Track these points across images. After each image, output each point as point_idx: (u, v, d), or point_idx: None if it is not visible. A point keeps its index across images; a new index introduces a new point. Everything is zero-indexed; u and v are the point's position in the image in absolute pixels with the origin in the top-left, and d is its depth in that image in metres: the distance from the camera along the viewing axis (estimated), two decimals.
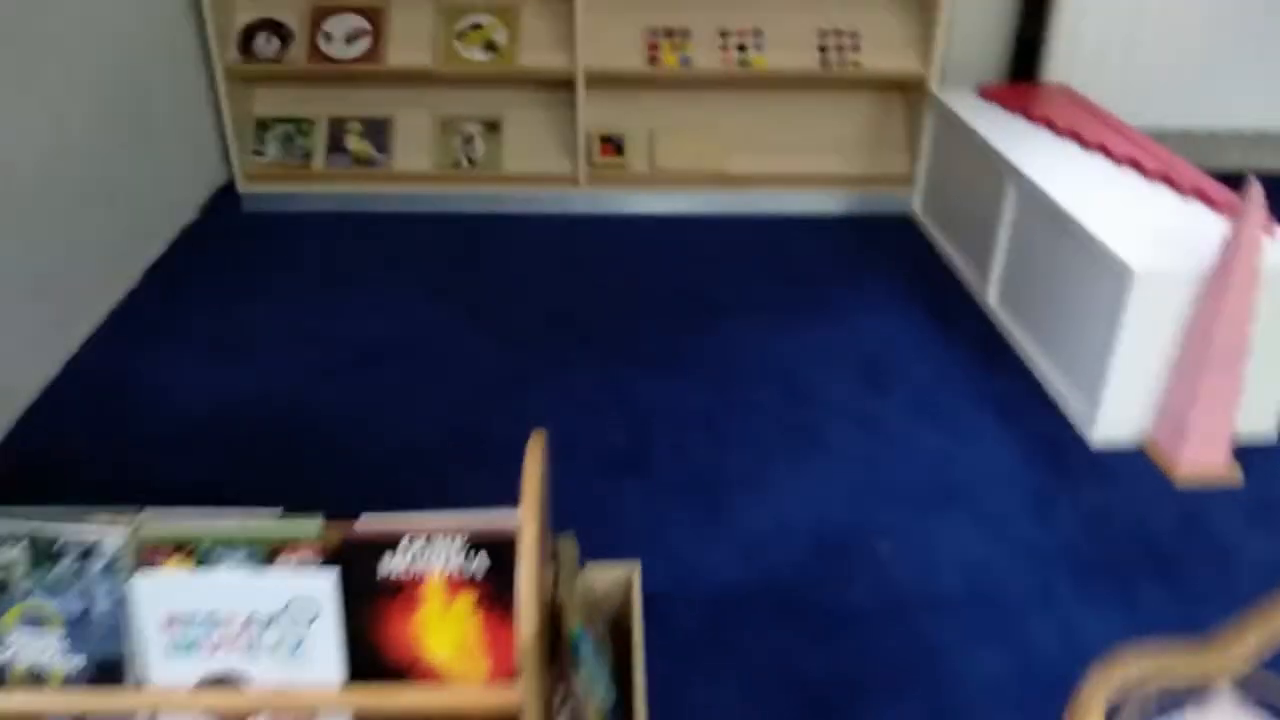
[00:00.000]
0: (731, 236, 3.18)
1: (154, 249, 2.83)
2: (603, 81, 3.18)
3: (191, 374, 2.41)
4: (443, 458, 2.12)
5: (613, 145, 3.30)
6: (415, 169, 3.31)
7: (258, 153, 3.31)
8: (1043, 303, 2.44)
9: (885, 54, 3.18)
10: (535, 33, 3.19)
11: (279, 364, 2.46)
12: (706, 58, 3.17)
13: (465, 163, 3.31)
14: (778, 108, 3.33)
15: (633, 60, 3.16)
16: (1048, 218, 2.38)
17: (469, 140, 3.33)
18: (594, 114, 3.29)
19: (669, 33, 3.19)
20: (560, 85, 3.21)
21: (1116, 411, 2.19)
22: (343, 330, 2.63)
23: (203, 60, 3.14)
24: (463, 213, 3.29)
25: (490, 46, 3.15)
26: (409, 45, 3.18)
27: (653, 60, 3.15)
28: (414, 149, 3.33)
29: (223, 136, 3.23)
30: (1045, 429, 2.27)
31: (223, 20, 3.11)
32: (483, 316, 2.70)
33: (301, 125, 3.34)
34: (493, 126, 3.34)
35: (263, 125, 3.34)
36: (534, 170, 3.31)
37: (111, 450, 2.13)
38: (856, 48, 3.18)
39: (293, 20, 3.20)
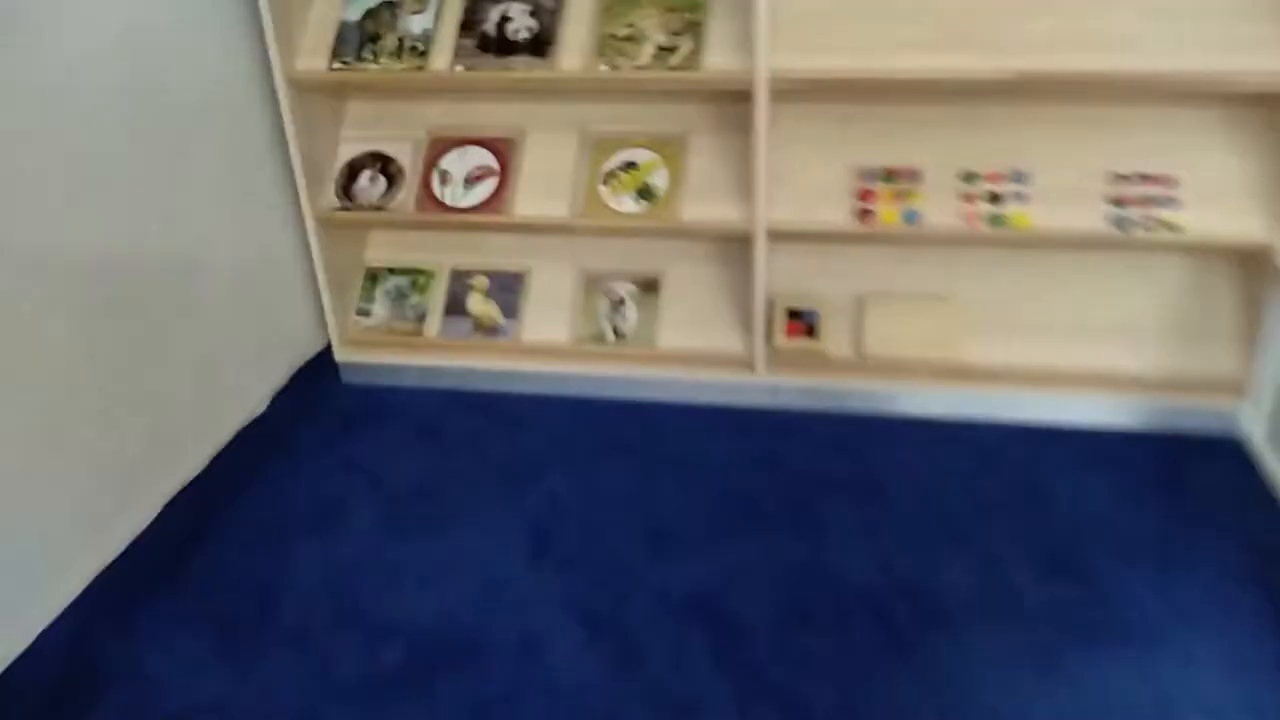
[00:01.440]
0: (967, 459, 2.24)
1: (188, 466, 2.20)
2: (793, 235, 2.33)
3: (179, 673, 1.77)
4: None
5: (803, 322, 2.43)
6: (548, 340, 2.57)
7: (363, 313, 2.67)
8: None
9: (1215, 210, 2.15)
10: (704, 174, 2.38)
11: (293, 667, 1.78)
12: (941, 210, 2.25)
13: (611, 334, 2.53)
14: (1043, 273, 2.36)
15: (835, 213, 2.29)
16: None
17: (619, 304, 2.56)
18: (779, 275, 2.45)
19: (890, 175, 2.29)
20: (737, 235, 2.39)
21: None
22: (398, 608, 1.91)
23: (293, 207, 2.52)
24: (604, 398, 2.52)
25: (645, 193, 2.36)
26: (543, 189, 2.44)
27: (864, 215, 2.26)
28: (549, 313, 2.59)
29: (317, 296, 2.60)
30: None
31: (319, 156, 2.49)
32: (592, 593, 1.91)
33: (418, 279, 2.68)
34: (649, 287, 2.56)
35: (373, 277, 2.70)
36: (697, 348, 2.49)
37: None
38: (1171, 199, 2.17)
39: (405, 154, 2.54)
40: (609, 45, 2.24)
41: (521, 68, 2.26)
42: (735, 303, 2.50)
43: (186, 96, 2.13)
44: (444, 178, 2.49)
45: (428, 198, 2.48)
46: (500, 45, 2.28)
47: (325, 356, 2.66)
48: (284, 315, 2.56)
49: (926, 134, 2.30)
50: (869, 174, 2.31)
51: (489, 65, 2.28)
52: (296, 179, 2.44)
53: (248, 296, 2.39)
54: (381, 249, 2.73)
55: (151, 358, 2.05)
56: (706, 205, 2.35)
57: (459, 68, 2.29)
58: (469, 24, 2.32)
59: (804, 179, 2.32)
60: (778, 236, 2.31)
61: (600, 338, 2.55)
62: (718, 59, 2.20)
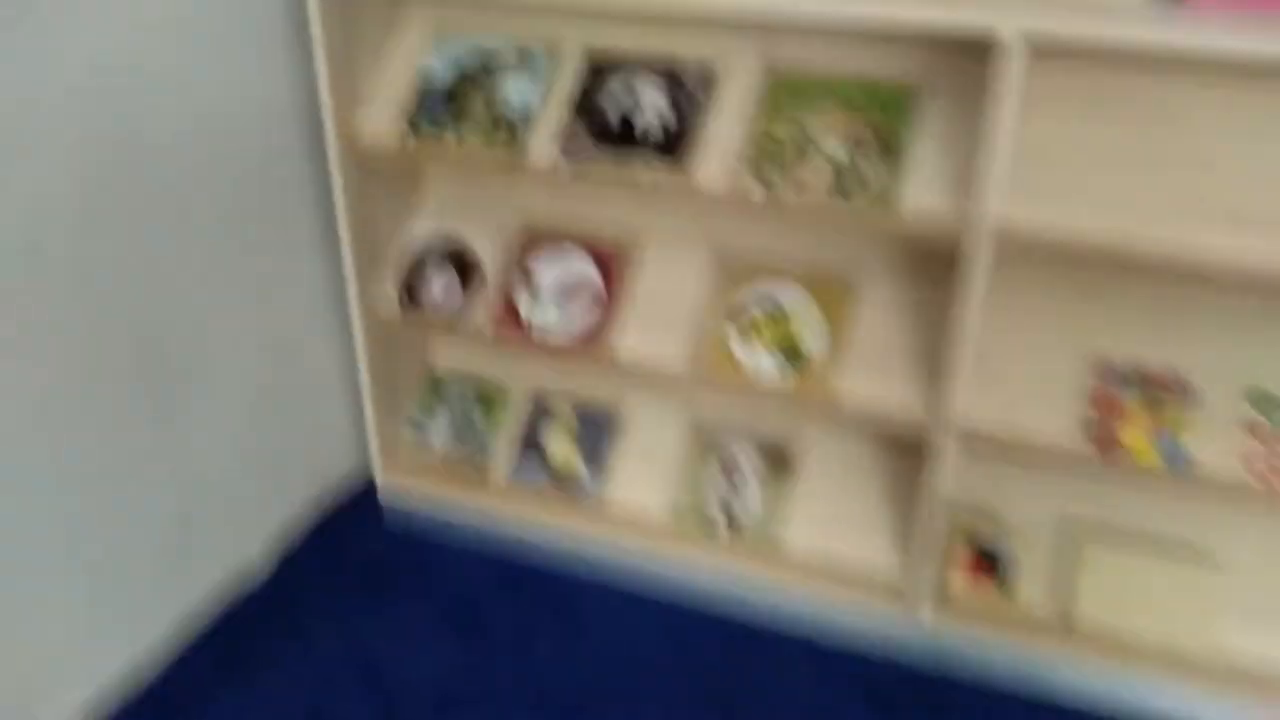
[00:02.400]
0: None
1: (131, 659, 1.67)
2: (994, 445, 1.65)
3: None
4: None
5: (989, 559, 1.74)
6: (639, 510, 1.97)
7: (418, 427, 2.12)
8: None
9: None
10: (876, 335, 1.72)
11: None
12: (1218, 444, 1.53)
13: (722, 519, 1.90)
14: None
15: (1058, 424, 1.59)
16: None
17: (737, 478, 1.92)
18: (962, 478, 1.77)
19: (1146, 383, 1.58)
20: (913, 433, 1.71)
21: None
22: None
23: (339, 301, 1.99)
24: (703, 606, 1.90)
25: (791, 351, 1.72)
26: (655, 321, 1.84)
27: (1102, 437, 1.56)
28: (645, 473, 1.99)
29: (360, 411, 2.07)
30: None
31: (379, 241, 1.94)
32: None
33: (489, 398, 2.11)
34: (780, 461, 1.92)
35: (436, 386, 2.14)
36: (838, 560, 1.84)
37: None
38: None
39: (489, 247, 1.96)
40: (766, 152, 1.60)
41: (643, 171, 1.64)
42: (896, 506, 1.84)
43: (208, 149, 1.60)
44: (531, 287, 1.90)
45: (507, 313, 1.90)
46: (621, 136, 1.67)
47: (362, 490, 2.12)
48: (313, 435, 2.03)
49: (1204, 327, 1.59)
50: (1114, 375, 1.60)
51: (601, 161, 1.67)
52: (345, 268, 1.90)
53: (265, 410, 1.86)
54: (451, 352, 2.17)
55: (106, 492, 1.53)
56: (874, 381, 1.69)
57: (561, 161, 1.69)
58: (585, 104, 1.71)
59: (1018, 367, 1.64)
60: (972, 443, 1.63)
61: (708, 521, 1.92)
62: (920, 195, 1.53)
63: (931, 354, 1.67)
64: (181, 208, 1.58)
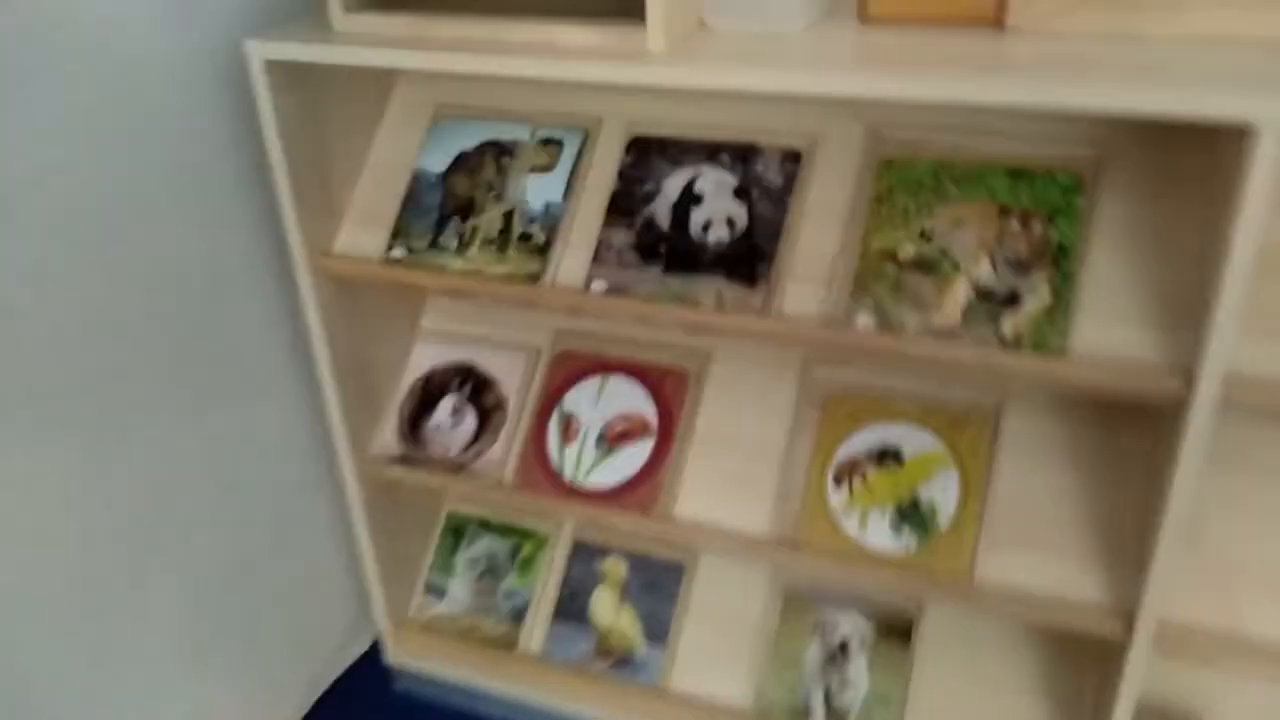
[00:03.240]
0: None
1: None
2: (1202, 657, 1.21)
3: None
4: None
5: None
6: (713, 698, 1.55)
7: (435, 590, 1.72)
8: None
9: None
10: (1025, 497, 1.29)
11: None
12: None
13: (822, 709, 1.49)
14: None
15: None
16: None
17: (840, 654, 1.50)
18: (1151, 688, 1.34)
19: None
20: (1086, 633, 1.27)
21: None
22: None
23: (326, 451, 1.59)
24: None
25: (911, 512, 1.30)
26: (727, 472, 1.42)
27: None
28: (720, 646, 1.57)
29: (359, 574, 1.67)
30: None
31: (373, 370, 1.54)
32: None
33: (522, 545, 1.70)
34: (895, 631, 1.49)
35: (456, 531, 1.74)
36: None
37: None
38: None
39: (513, 373, 1.56)
40: (879, 273, 1.18)
41: (709, 299, 1.22)
42: (1055, 705, 1.41)
43: (143, 278, 1.22)
44: (567, 426, 1.49)
45: (537, 461, 1.49)
46: (677, 250, 1.25)
47: (369, 668, 1.72)
48: (305, 608, 1.63)
49: None
50: None
51: (651, 284, 1.25)
52: (329, 411, 1.50)
53: (243, 589, 1.48)
54: (473, 498, 1.77)
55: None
56: (1028, 555, 1.26)
57: (598, 285, 1.27)
58: (624, 204, 1.30)
59: (1235, 539, 1.20)
60: (1170, 640, 1.20)
61: (802, 712, 1.50)
62: (1102, 331, 1.10)
63: (1109, 520, 1.24)
64: (109, 359, 1.20)
